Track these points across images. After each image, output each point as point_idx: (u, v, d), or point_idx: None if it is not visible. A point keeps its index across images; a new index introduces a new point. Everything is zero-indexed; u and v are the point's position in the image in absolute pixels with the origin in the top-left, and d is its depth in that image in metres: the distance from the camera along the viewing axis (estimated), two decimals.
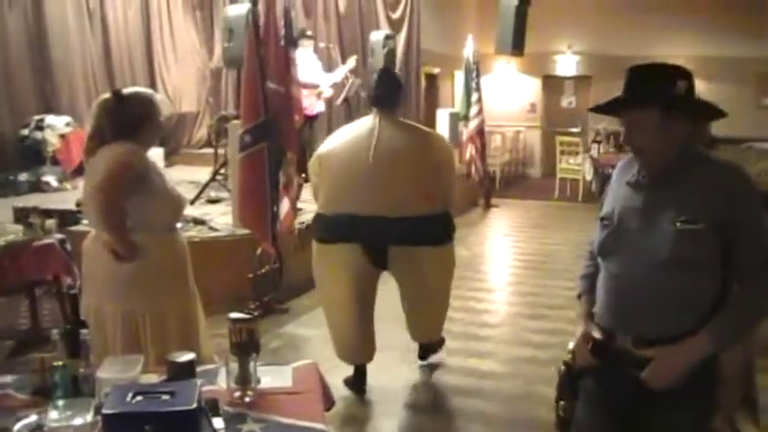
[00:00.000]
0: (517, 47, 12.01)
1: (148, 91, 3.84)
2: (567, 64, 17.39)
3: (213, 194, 8.37)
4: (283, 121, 6.42)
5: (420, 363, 5.58)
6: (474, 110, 12.52)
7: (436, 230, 4.85)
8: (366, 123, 4.89)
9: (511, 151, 16.65)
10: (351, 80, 9.81)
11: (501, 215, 12.41)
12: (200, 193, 8.26)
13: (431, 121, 12.51)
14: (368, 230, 4.64)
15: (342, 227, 4.70)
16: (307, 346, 6.04)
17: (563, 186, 14.59)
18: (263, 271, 6.69)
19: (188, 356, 2.72)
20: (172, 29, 12.04)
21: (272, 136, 6.24)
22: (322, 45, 10.07)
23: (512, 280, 8.53)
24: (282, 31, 6.57)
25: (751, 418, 3.36)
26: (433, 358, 5.62)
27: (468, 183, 12.28)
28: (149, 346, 3.42)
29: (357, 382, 5.12)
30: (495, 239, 11.09)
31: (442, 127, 12.34)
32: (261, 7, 6.54)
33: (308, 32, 10.16)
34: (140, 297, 3.47)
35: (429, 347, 5.53)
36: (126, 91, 3.64)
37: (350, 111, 10.24)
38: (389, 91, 4.93)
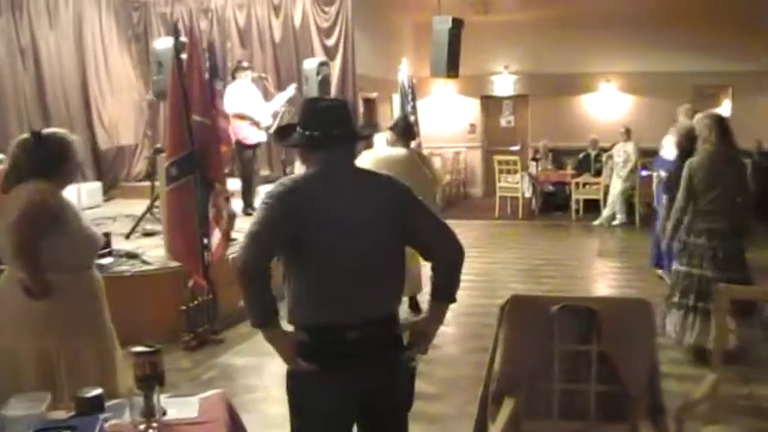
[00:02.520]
0: (452, 69, 12.15)
1: (65, 132, 3.89)
2: (504, 84, 17.65)
3: (149, 227, 8.35)
4: (210, 153, 6.48)
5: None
6: None
7: None
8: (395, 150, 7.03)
9: (452, 172, 16.83)
10: (284, 109, 9.85)
11: None
12: (135, 226, 8.24)
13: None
14: None
15: None
16: (241, 376, 6.05)
17: (503, 204, 14.80)
18: (196, 303, 6.69)
19: (95, 392, 2.76)
20: (107, 62, 12.00)
21: (198, 168, 6.28)
22: (255, 75, 10.10)
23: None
24: (207, 64, 6.62)
25: (658, 429, 3.44)
26: None
27: None
28: (65, 384, 3.43)
29: None
30: None
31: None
32: (185, 40, 6.61)
33: (245, 63, 10.23)
34: (55, 335, 3.50)
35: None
36: (44, 131, 3.74)
37: None
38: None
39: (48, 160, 3.60)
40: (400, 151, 6.97)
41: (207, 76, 6.61)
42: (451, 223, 3.10)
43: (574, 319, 3.39)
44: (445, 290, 3.02)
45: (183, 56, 6.51)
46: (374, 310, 2.90)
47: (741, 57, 14.92)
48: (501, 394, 3.40)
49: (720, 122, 6.02)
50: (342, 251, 2.80)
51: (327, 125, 2.90)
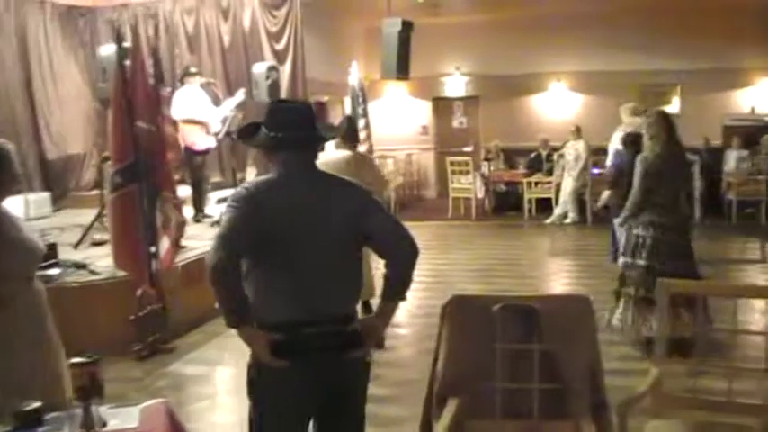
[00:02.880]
0: (402, 71, 12.19)
1: (1, 141, 3.82)
2: (455, 85, 17.72)
3: (98, 237, 8.24)
4: (156, 160, 6.42)
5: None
6: (362, 136, 12.63)
7: None
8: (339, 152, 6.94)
9: (404, 174, 16.88)
10: (233, 114, 9.80)
11: None
12: (84, 236, 8.14)
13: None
14: None
15: None
16: (191, 384, 6.02)
17: (456, 205, 14.89)
18: (146, 312, 6.62)
19: (32, 405, 2.73)
20: (53, 70, 11.81)
21: (144, 175, 6.22)
22: (203, 81, 10.04)
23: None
24: (151, 70, 6.57)
25: (601, 426, 3.47)
26: None
27: None
28: (7, 398, 3.38)
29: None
30: None
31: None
32: (129, 46, 6.54)
33: (192, 69, 10.15)
34: None
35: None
36: None
37: (233, 144, 10.25)
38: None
39: None
40: (344, 154, 6.93)
41: (152, 81, 6.55)
42: (405, 225, 3.14)
43: (515, 318, 3.42)
44: (397, 288, 3.07)
45: (128, 62, 6.45)
46: (333, 308, 2.97)
47: (689, 55, 15.17)
48: (444, 394, 3.42)
49: (667, 119, 6.16)
50: (303, 251, 2.89)
51: (291, 127, 2.97)
